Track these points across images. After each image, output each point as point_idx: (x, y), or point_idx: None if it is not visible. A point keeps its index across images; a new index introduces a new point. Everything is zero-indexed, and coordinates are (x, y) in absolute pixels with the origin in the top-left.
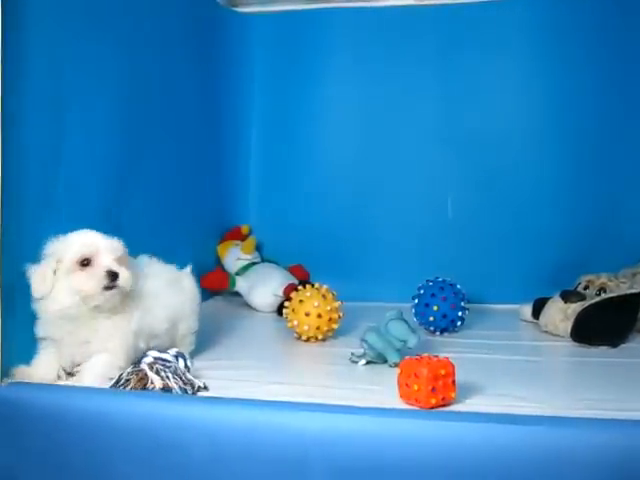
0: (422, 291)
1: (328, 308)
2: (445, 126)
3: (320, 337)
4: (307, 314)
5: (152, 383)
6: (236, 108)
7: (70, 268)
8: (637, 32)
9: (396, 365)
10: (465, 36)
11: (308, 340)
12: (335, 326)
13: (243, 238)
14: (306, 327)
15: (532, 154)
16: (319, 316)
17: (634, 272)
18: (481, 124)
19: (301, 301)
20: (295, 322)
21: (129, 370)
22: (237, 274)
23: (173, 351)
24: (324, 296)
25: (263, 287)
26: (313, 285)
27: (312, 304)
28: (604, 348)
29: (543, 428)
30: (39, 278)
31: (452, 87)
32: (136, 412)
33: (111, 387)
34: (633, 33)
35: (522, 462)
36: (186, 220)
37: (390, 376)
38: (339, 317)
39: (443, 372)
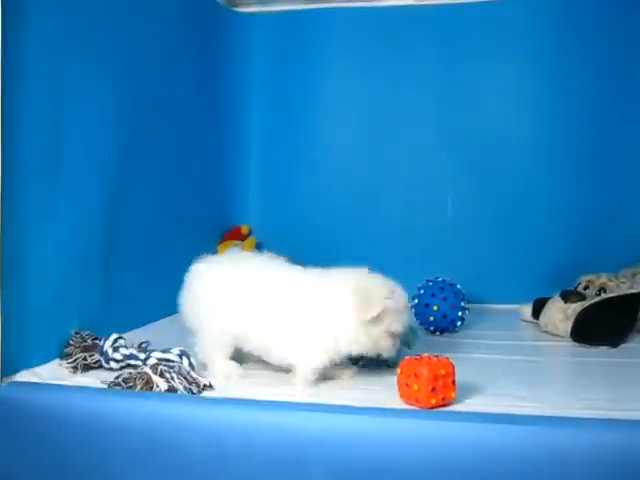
0: (422, 291)
1: None
2: (445, 126)
3: None
4: None
5: (157, 386)
6: (236, 108)
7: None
8: (635, 35)
9: (396, 365)
10: (465, 36)
11: None
12: None
13: (243, 238)
14: None
15: (532, 154)
16: None
17: (634, 272)
18: (481, 125)
19: None
20: None
21: (132, 372)
22: None
23: (177, 350)
24: None
25: None
26: None
27: None
28: (604, 348)
29: (543, 428)
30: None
31: (452, 88)
32: (136, 412)
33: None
34: (631, 36)
35: (522, 462)
36: (186, 220)
37: (390, 376)
38: None
39: (443, 372)
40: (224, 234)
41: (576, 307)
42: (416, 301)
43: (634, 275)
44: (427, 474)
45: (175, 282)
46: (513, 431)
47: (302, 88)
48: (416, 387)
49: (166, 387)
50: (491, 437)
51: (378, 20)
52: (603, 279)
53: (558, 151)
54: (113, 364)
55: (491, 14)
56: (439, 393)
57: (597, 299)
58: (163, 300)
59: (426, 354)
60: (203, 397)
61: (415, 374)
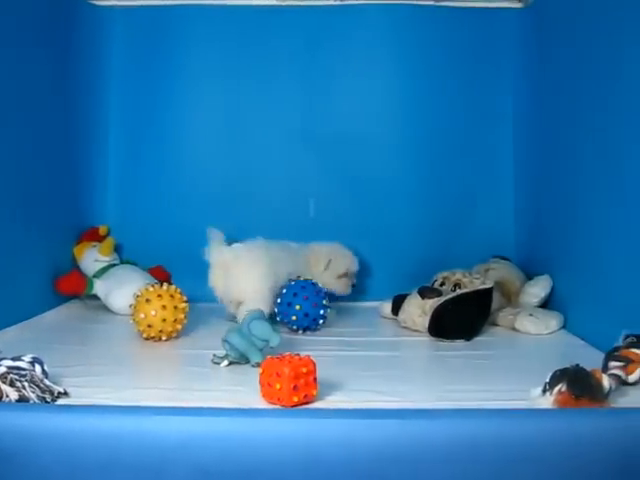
0: (284, 290)
1: (174, 308)
2: (308, 126)
3: (164, 338)
4: (152, 314)
5: (7, 396)
6: (93, 104)
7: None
8: (489, 45)
9: (258, 365)
10: (329, 38)
11: (151, 339)
12: (180, 327)
13: (101, 239)
14: (150, 325)
15: (392, 155)
16: (164, 318)
17: (486, 268)
18: (343, 124)
19: (148, 300)
20: (142, 315)
21: None
22: (95, 277)
23: (28, 357)
24: (172, 296)
25: (122, 289)
26: (161, 285)
27: (159, 304)
28: (460, 342)
29: (404, 421)
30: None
31: (315, 88)
32: None
33: None
34: (487, 46)
35: (385, 456)
36: (40, 220)
37: (253, 376)
38: (185, 318)
39: (305, 370)
40: (80, 235)
41: (433, 303)
42: (279, 300)
43: (486, 271)
44: (291, 472)
45: (28, 286)
46: (375, 426)
47: (163, 86)
48: (278, 386)
49: (17, 396)
50: (353, 433)
51: (240, 19)
52: (458, 275)
53: (416, 153)
54: None
55: (353, 17)
56: (301, 391)
57: (452, 295)
58: (15, 305)
59: (288, 353)
60: (56, 405)
61: (277, 373)
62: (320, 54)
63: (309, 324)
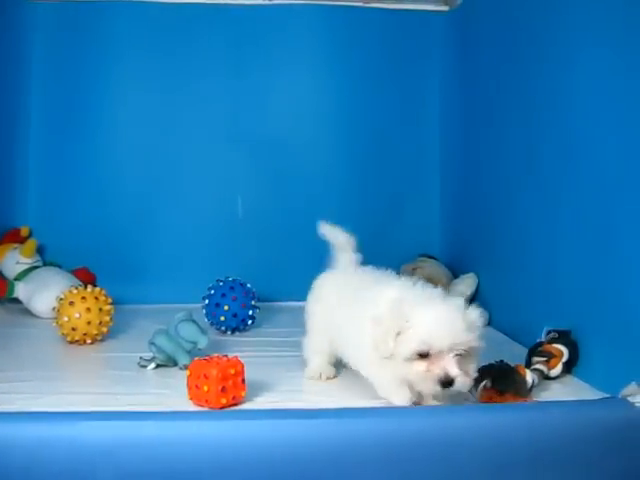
0: (213, 291)
1: (99, 310)
2: (235, 126)
3: (89, 341)
4: (76, 316)
5: None
6: (13, 103)
7: (410, 356)
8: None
9: (186, 367)
10: (257, 37)
11: (75, 342)
12: (105, 329)
13: (22, 240)
14: (74, 328)
15: (320, 155)
16: (88, 321)
17: (414, 267)
18: (272, 124)
19: (72, 303)
20: (65, 318)
21: None
22: (16, 279)
23: None
24: (97, 298)
25: (45, 292)
26: (85, 287)
27: (83, 307)
28: None
29: (333, 420)
30: (382, 338)
31: (242, 88)
32: None
33: None
34: (413, 46)
35: (315, 455)
36: None
37: (181, 379)
38: (110, 320)
39: (233, 371)
40: (1, 236)
41: None
42: (207, 301)
43: (414, 269)
44: (221, 474)
45: None
46: (303, 425)
47: (87, 84)
48: (206, 388)
49: None
50: (282, 433)
51: (168, 16)
52: None
53: (344, 154)
54: None
55: (281, 17)
56: (229, 393)
57: None
58: None
59: (216, 354)
60: None
61: (205, 375)
62: (249, 53)
63: (237, 325)
